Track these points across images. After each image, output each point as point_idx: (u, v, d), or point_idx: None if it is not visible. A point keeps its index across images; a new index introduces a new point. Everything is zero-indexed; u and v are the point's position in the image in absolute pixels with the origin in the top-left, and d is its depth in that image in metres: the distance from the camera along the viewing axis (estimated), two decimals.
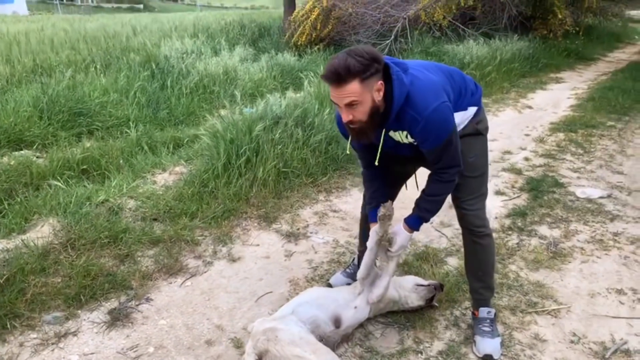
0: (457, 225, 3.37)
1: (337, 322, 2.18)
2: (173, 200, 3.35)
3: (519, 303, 2.53)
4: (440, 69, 2.03)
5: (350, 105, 1.75)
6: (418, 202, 2.08)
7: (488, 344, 2.14)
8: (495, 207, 3.67)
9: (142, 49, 7.06)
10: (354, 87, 1.71)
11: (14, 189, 3.26)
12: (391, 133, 1.95)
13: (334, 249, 3.06)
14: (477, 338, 2.18)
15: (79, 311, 2.41)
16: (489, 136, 5.30)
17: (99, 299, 2.50)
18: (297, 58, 8.14)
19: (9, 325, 2.24)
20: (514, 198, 3.84)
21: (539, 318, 2.43)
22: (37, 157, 3.88)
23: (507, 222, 3.43)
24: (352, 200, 3.75)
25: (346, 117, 1.79)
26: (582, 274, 2.81)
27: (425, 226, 3.32)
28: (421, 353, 2.19)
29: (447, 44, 8.85)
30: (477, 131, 2.08)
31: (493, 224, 3.41)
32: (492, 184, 4.13)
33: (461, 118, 2.04)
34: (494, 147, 5.11)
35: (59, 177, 3.38)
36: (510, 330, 2.33)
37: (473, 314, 2.29)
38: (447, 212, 3.59)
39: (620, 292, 2.65)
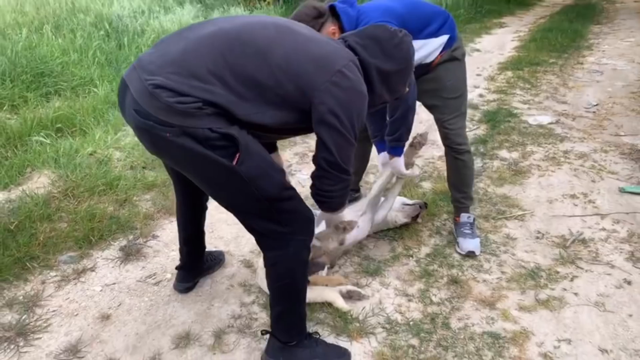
0: (426, 155, 3.69)
1: (341, 241, 2.42)
2: None
3: (490, 212, 2.87)
4: (402, 2, 2.24)
5: None
6: None
7: (470, 243, 2.47)
8: None
9: (91, 9, 6.85)
10: None
11: None
12: None
13: None
14: (460, 239, 2.51)
15: (91, 251, 2.54)
16: None
17: (107, 239, 2.64)
18: (249, 12, 8.12)
19: (28, 266, 2.37)
20: (474, 129, 4.17)
21: (508, 222, 2.78)
22: (8, 119, 3.85)
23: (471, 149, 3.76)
24: None
25: None
26: (540, 186, 3.18)
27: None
28: (412, 257, 2.49)
29: None
30: (454, 57, 2.33)
31: None
32: None
33: (435, 44, 2.27)
34: None
35: (41, 134, 3.41)
36: (486, 234, 2.66)
37: (455, 220, 2.61)
38: None
39: (573, 196, 3.04)
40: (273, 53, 1.45)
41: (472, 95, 5.08)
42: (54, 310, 2.16)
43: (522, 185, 3.18)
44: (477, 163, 3.52)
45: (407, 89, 1.79)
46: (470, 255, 2.45)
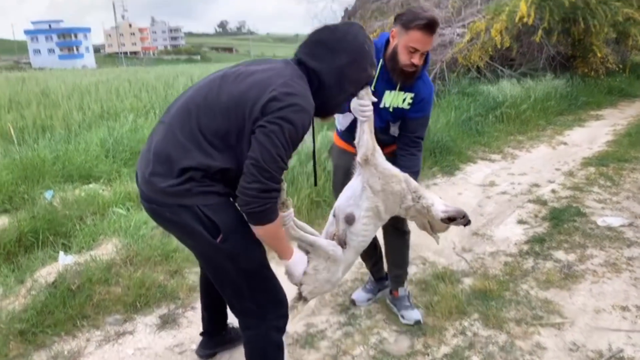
0: (477, 250, 3.63)
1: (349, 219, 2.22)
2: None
3: (524, 316, 2.75)
4: None
5: (424, 52, 2.20)
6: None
7: (414, 314, 2.72)
8: (515, 235, 3.88)
9: None
10: (434, 38, 2.18)
11: (84, 216, 3.79)
12: (393, 93, 2.35)
13: (357, 269, 3.36)
14: (403, 312, 2.75)
15: (135, 315, 2.82)
16: (519, 170, 5.63)
17: (151, 306, 2.91)
18: None
19: (78, 324, 2.68)
20: (535, 227, 4.03)
21: (543, 330, 2.63)
22: (102, 190, 4.43)
23: (525, 247, 3.64)
24: None
25: (418, 61, 2.21)
26: (590, 293, 2.98)
27: (446, 251, 3.61)
28: (428, 355, 2.45)
29: (484, 84, 9.14)
30: None
31: (511, 249, 3.63)
32: (515, 214, 4.34)
33: None
34: (523, 180, 5.31)
35: (121, 206, 3.89)
36: (513, 339, 2.55)
37: (393, 295, 2.84)
38: (469, 239, 3.84)
39: (624, 308, 2.81)
40: (219, 101, 1.62)
41: (543, 191, 4.93)
42: None
43: (570, 291, 3.00)
44: (529, 263, 3.39)
45: (374, 72, 1.83)
46: (417, 323, 2.67)
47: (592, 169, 5.62)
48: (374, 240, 2.74)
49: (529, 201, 4.66)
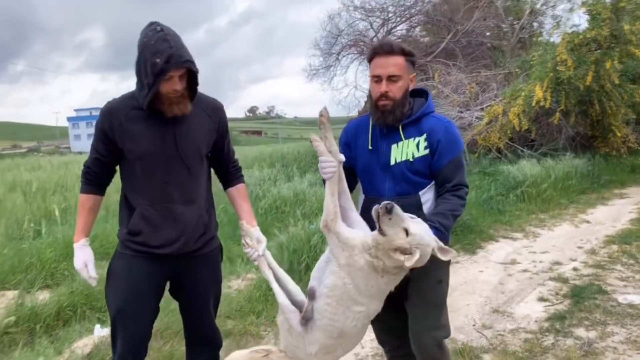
0: (497, 327, 3.69)
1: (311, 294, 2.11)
2: (244, 301, 3.94)
3: None
4: None
5: (390, 77, 2.06)
6: (434, 219, 2.02)
7: None
8: (536, 312, 3.92)
9: None
10: (399, 61, 2.06)
11: None
12: (401, 143, 2.13)
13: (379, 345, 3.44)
14: None
15: None
16: (540, 248, 5.66)
17: None
18: None
19: None
20: (556, 304, 4.06)
21: None
22: None
23: (546, 324, 3.67)
24: None
25: (385, 88, 2.06)
26: None
27: (467, 328, 3.67)
28: None
29: (505, 164, 9.36)
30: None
31: (532, 326, 3.66)
32: (536, 291, 4.38)
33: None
34: (545, 258, 5.36)
35: None
36: None
37: None
38: (489, 316, 3.90)
39: None
40: None
41: (565, 269, 4.96)
42: None
43: None
44: (549, 340, 3.41)
45: (159, 60, 1.79)
46: None
47: (614, 247, 5.64)
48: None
49: (550, 279, 4.70)
